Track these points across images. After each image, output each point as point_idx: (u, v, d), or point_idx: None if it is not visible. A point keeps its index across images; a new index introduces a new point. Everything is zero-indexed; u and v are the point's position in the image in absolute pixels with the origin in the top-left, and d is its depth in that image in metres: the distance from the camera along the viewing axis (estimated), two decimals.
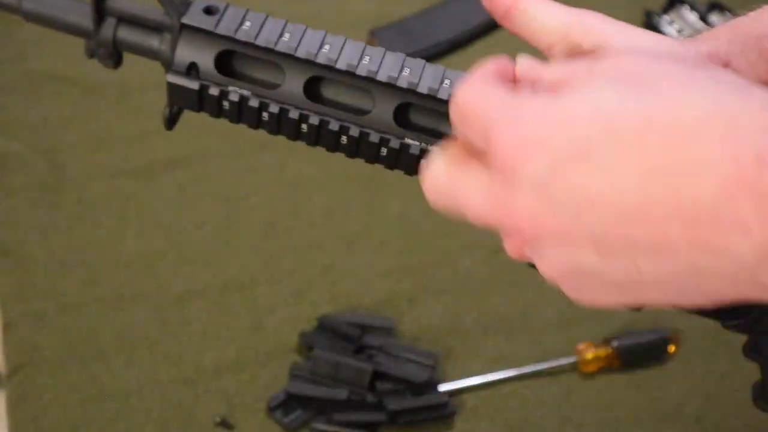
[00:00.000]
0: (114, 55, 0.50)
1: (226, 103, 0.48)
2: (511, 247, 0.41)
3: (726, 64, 0.44)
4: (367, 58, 0.47)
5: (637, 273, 0.35)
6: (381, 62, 0.47)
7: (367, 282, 0.88)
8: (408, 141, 0.47)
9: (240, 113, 0.48)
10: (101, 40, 0.49)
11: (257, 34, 0.47)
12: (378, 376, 0.80)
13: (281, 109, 0.47)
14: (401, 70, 0.47)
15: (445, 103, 0.46)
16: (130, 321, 0.84)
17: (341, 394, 0.78)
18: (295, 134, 0.48)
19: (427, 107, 0.47)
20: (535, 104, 0.37)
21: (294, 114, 0.47)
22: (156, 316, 0.85)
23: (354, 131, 0.47)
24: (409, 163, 0.48)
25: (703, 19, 1.10)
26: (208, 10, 0.48)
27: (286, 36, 0.48)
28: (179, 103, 0.49)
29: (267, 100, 0.47)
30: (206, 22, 0.47)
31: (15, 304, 0.84)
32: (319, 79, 0.47)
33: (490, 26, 1.07)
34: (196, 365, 0.82)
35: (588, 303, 0.39)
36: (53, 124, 0.97)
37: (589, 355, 0.83)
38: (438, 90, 0.47)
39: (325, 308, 0.86)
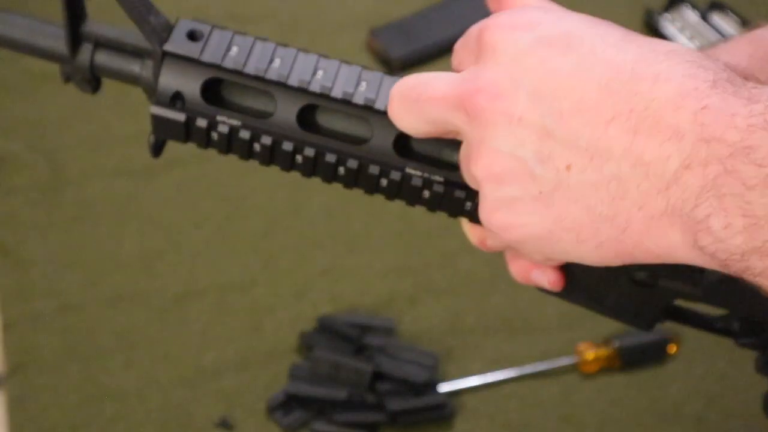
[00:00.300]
0: (92, 81, 0.47)
1: (214, 135, 0.45)
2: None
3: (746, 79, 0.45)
4: (363, 84, 0.44)
5: (565, 177, 0.38)
6: (379, 89, 0.44)
7: (367, 282, 0.88)
8: (410, 171, 0.45)
9: (230, 145, 0.45)
10: (78, 66, 0.46)
11: (246, 61, 0.44)
12: (378, 376, 0.79)
13: (274, 141, 0.44)
14: None
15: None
16: (129, 321, 0.84)
17: (341, 394, 0.78)
18: (289, 165, 0.46)
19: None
20: (530, 7, 0.41)
21: (288, 146, 0.44)
22: (155, 316, 0.85)
23: (352, 163, 0.44)
24: (411, 195, 0.45)
25: (704, 18, 1.10)
26: (192, 35, 0.45)
27: (277, 62, 0.44)
28: (164, 134, 0.46)
29: (259, 132, 0.44)
30: (190, 49, 0.44)
31: (15, 304, 0.84)
32: (313, 106, 0.45)
33: None
34: (195, 365, 0.82)
35: (505, 231, 0.41)
36: (53, 124, 0.97)
37: (590, 355, 0.82)
38: None
39: (325, 308, 0.86)
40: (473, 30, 0.43)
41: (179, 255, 0.89)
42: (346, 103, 0.44)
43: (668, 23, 1.10)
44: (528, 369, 0.83)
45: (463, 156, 0.42)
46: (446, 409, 0.80)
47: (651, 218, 0.36)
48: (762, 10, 1.11)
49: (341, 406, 0.78)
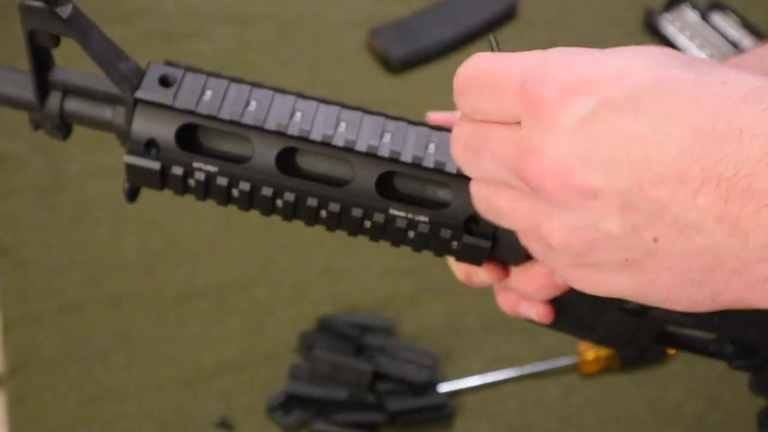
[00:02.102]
0: (62, 128, 0.46)
1: (191, 182, 0.44)
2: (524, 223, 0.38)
3: None
4: (343, 125, 0.43)
5: (653, 249, 0.34)
6: (359, 129, 0.43)
7: (367, 282, 0.88)
8: (393, 212, 0.43)
9: (207, 191, 0.44)
10: (47, 114, 0.45)
11: (220, 106, 0.43)
12: (378, 376, 0.79)
13: (253, 187, 0.43)
14: (381, 136, 0.43)
15: (432, 171, 0.43)
16: (129, 321, 0.84)
17: (341, 394, 0.78)
18: (269, 210, 0.45)
19: (412, 175, 0.43)
20: (580, 53, 0.36)
21: (267, 191, 0.43)
22: (155, 316, 0.85)
23: (334, 207, 0.43)
24: (396, 236, 0.44)
25: (704, 18, 1.10)
26: (164, 81, 0.43)
27: (253, 105, 0.43)
28: (139, 182, 0.45)
29: (236, 178, 0.43)
30: (163, 96, 0.43)
31: (15, 305, 0.84)
32: (292, 149, 0.43)
33: (491, 25, 1.07)
34: (195, 365, 0.82)
35: (588, 286, 0.38)
36: None
37: (590, 355, 0.82)
38: (423, 158, 0.43)
39: (325, 308, 0.86)
40: (505, 79, 0.37)
41: (179, 255, 0.89)
42: (325, 145, 0.43)
43: (668, 23, 1.10)
44: (528, 369, 0.83)
45: (523, 215, 0.38)
46: (446, 409, 0.79)
47: (753, 284, 0.33)
48: (762, 10, 1.11)
49: (341, 406, 0.78)
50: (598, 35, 1.10)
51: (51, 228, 0.90)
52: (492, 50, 0.40)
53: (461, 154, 0.39)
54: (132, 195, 0.46)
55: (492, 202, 0.39)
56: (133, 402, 0.80)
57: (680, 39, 1.08)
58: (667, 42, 1.09)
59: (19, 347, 0.82)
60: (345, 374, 0.79)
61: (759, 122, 0.32)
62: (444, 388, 0.81)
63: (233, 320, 0.85)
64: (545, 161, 0.35)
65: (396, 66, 1.04)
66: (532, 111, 0.35)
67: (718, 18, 1.10)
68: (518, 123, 0.36)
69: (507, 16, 1.08)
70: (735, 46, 1.08)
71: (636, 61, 0.35)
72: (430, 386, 0.80)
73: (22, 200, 0.91)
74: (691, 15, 1.11)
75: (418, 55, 1.04)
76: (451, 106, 0.41)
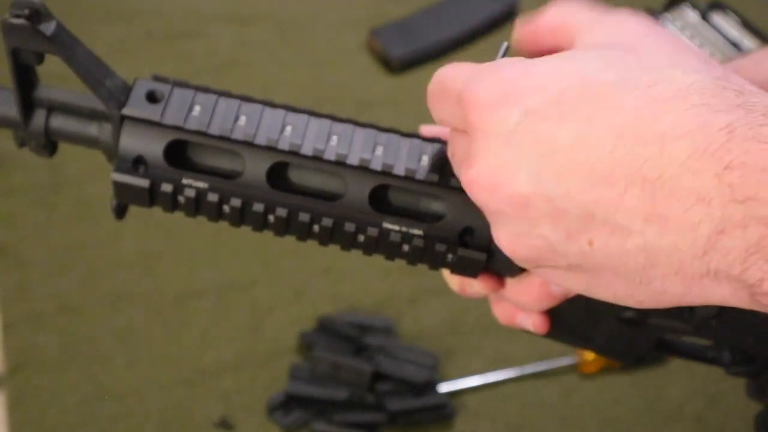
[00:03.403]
0: (48, 146, 0.45)
1: (181, 199, 0.43)
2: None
3: None
4: (334, 139, 0.42)
5: (590, 252, 0.35)
6: (351, 142, 0.43)
7: (367, 282, 0.88)
8: (387, 226, 0.43)
9: (198, 208, 0.44)
10: (32, 132, 0.44)
11: (209, 121, 0.42)
12: (378, 376, 0.79)
13: (244, 202, 0.43)
14: (374, 149, 0.43)
15: (425, 183, 0.43)
16: (129, 321, 0.84)
17: (341, 394, 0.78)
18: (261, 226, 0.44)
19: (406, 188, 0.43)
20: (512, 64, 0.37)
21: (258, 207, 0.43)
22: (155, 316, 0.85)
23: (327, 221, 0.43)
24: (391, 250, 0.44)
25: (704, 18, 1.10)
26: (152, 97, 0.43)
27: (242, 119, 0.42)
28: (128, 200, 0.44)
29: (227, 194, 0.43)
30: (150, 112, 0.42)
31: (15, 305, 0.84)
32: (284, 163, 0.43)
33: (491, 25, 1.07)
34: (195, 366, 0.82)
35: (553, 282, 0.39)
36: None
37: (590, 355, 0.82)
38: (416, 170, 0.43)
39: (325, 308, 0.86)
40: (451, 89, 0.38)
41: (179, 255, 0.89)
42: (317, 159, 0.42)
43: (668, 23, 1.10)
44: (528, 369, 0.83)
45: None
46: (446, 409, 0.79)
47: (691, 280, 0.33)
48: (763, 10, 1.11)
49: (341, 406, 0.78)
50: None
51: (51, 228, 0.90)
52: (499, 56, 0.40)
53: (451, 160, 0.41)
54: (120, 212, 0.46)
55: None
56: (133, 402, 0.80)
57: (681, 39, 1.08)
58: None
59: (19, 347, 0.82)
60: (345, 374, 0.79)
61: (682, 123, 0.32)
62: (444, 388, 0.81)
63: (233, 320, 0.85)
64: (475, 171, 0.36)
65: (396, 66, 1.04)
66: (468, 121, 0.37)
67: (718, 18, 1.10)
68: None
69: (507, 16, 1.08)
70: (735, 46, 1.08)
71: (568, 64, 0.35)
72: (430, 386, 0.80)
73: (22, 200, 0.91)
74: (691, 15, 1.11)
75: (418, 55, 1.04)
76: None
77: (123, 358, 0.82)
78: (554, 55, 0.37)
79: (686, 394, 0.82)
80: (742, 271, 0.31)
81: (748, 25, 1.09)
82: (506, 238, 0.37)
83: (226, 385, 0.81)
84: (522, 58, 0.37)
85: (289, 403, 0.79)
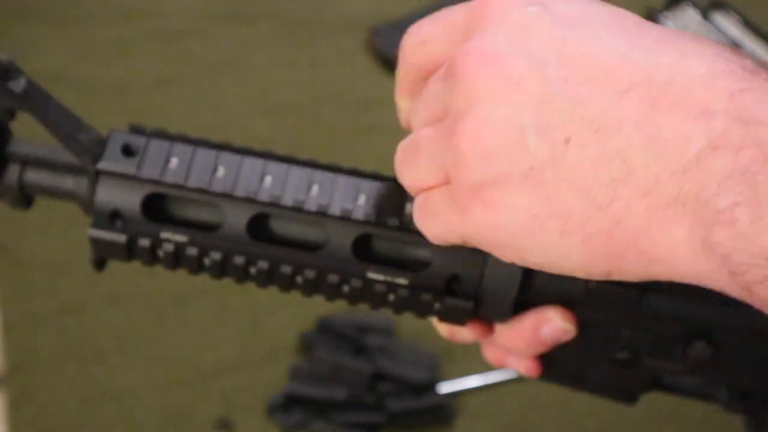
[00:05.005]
0: (23, 199, 0.44)
1: (160, 252, 0.43)
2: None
3: None
4: (315, 188, 0.42)
5: (562, 152, 0.33)
6: (332, 192, 0.42)
7: None
8: (372, 276, 0.42)
9: (177, 262, 0.43)
10: (6, 187, 0.43)
11: (187, 174, 0.41)
12: (378, 376, 0.79)
13: (224, 255, 0.42)
14: (356, 198, 0.42)
15: (410, 232, 0.42)
16: (129, 321, 0.84)
17: (341, 395, 0.78)
18: (242, 278, 0.43)
19: (390, 236, 0.42)
20: None
21: (239, 260, 0.42)
22: (155, 316, 0.84)
23: (309, 273, 0.42)
24: (376, 299, 0.43)
25: (705, 17, 1.10)
26: (127, 150, 0.42)
27: (221, 170, 0.42)
28: (106, 255, 0.44)
29: (207, 247, 0.42)
30: (126, 166, 0.41)
31: (14, 305, 0.84)
32: (264, 215, 0.42)
33: None
34: (195, 366, 0.82)
35: (476, 210, 0.35)
36: None
37: None
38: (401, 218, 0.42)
39: (324, 309, 0.85)
40: (464, 5, 0.38)
41: None
42: (298, 210, 0.42)
43: (669, 22, 1.10)
44: None
45: (438, 136, 0.37)
46: (446, 409, 0.79)
47: (655, 208, 0.31)
48: (763, 10, 1.11)
49: (341, 406, 0.78)
50: None
51: (51, 228, 0.89)
52: None
53: (400, 154, 0.39)
54: (100, 266, 0.45)
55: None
56: (132, 402, 0.79)
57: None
58: None
59: (19, 347, 0.82)
60: (345, 374, 0.79)
61: (704, 50, 0.32)
62: (444, 388, 0.81)
63: (233, 320, 0.85)
64: (475, 44, 0.35)
65: (396, 66, 1.04)
66: (479, 15, 0.36)
67: (719, 17, 1.10)
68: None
69: None
70: (736, 45, 1.08)
71: (599, 4, 0.36)
72: (430, 387, 0.80)
73: None
74: (692, 14, 1.11)
75: None
76: None
77: (123, 358, 0.82)
78: None
79: None
80: (714, 195, 0.30)
81: (749, 25, 1.09)
82: (475, 123, 0.34)
83: (225, 385, 0.81)
84: None
85: (289, 403, 0.79)
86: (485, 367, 0.83)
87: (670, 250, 0.32)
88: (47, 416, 0.78)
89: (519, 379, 0.82)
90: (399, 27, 1.06)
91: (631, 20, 0.35)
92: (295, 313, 0.85)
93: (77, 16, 1.04)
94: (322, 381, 0.79)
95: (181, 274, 0.87)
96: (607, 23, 0.34)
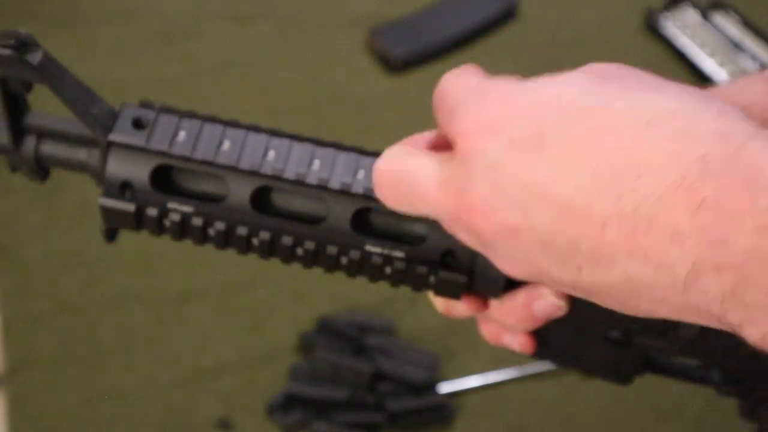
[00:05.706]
0: (40, 171, 0.46)
1: (167, 222, 0.44)
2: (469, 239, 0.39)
3: (766, 120, 0.41)
4: (317, 163, 0.43)
5: (579, 278, 0.35)
6: (333, 166, 0.43)
7: (367, 282, 0.88)
8: (369, 249, 0.44)
9: (183, 232, 0.44)
10: (23, 158, 0.45)
11: (194, 147, 0.43)
12: (378, 376, 0.79)
13: (228, 226, 0.43)
14: (355, 173, 0.43)
15: None
16: (129, 321, 0.84)
17: (341, 394, 0.78)
18: (245, 249, 0.45)
19: (387, 210, 0.43)
20: (501, 86, 0.37)
21: (242, 230, 0.43)
22: (155, 316, 0.84)
23: (309, 245, 0.44)
24: (373, 272, 0.45)
25: (705, 17, 1.10)
26: (137, 123, 0.44)
27: (226, 144, 0.43)
28: (115, 223, 0.46)
29: (212, 218, 0.43)
30: (136, 138, 0.43)
31: (14, 305, 0.84)
32: (267, 188, 0.44)
33: (491, 25, 1.07)
34: (195, 366, 0.82)
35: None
36: None
37: None
38: None
39: (324, 309, 0.85)
40: (446, 104, 0.39)
41: (179, 255, 0.89)
42: (299, 183, 0.43)
43: (669, 23, 1.10)
44: (528, 369, 0.83)
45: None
46: (446, 409, 0.79)
47: (677, 310, 0.33)
48: (763, 10, 1.11)
49: (341, 406, 0.78)
50: (598, 35, 1.10)
51: (51, 228, 0.90)
52: None
53: (388, 195, 0.41)
54: (110, 236, 0.47)
55: None
56: (133, 402, 0.80)
57: (681, 39, 1.08)
58: (667, 42, 1.09)
59: (19, 347, 0.82)
60: (345, 374, 0.79)
61: (658, 152, 0.32)
62: (444, 388, 0.81)
63: (233, 320, 0.85)
64: (469, 199, 0.36)
65: (396, 66, 1.04)
66: (456, 148, 0.37)
67: (719, 17, 1.10)
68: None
69: (507, 16, 1.08)
70: (736, 45, 1.08)
71: (550, 88, 0.35)
72: (430, 386, 0.80)
73: (22, 200, 0.91)
74: (691, 14, 1.11)
75: (419, 54, 1.04)
76: None
77: (122, 359, 0.82)
78: (538, 79, 0.37)
79: (686, 394, 0.82)
80: (722, 314, 0.31)
81: (749, 25, 1.09)
82: (504, 262, 0.37)
83: (225, 385, 0.81)
84: (509, 80, 0.38)
85: (289, 403, 0.79)
86: (485, 367, 0.83)
87: (710, 323, 0.33)
88: (47, 416, 0.78)
89: (519, 379, 0.82)
90: (399, 27, 1.06)
91: (583, 124, 0.34)
92: (295, 313, 0.85)
93: (77, 17, 1.04)
94: (322, 381, 0.79)
95: (181, 274, 0.88)
96: (562, 144, 0.34)
